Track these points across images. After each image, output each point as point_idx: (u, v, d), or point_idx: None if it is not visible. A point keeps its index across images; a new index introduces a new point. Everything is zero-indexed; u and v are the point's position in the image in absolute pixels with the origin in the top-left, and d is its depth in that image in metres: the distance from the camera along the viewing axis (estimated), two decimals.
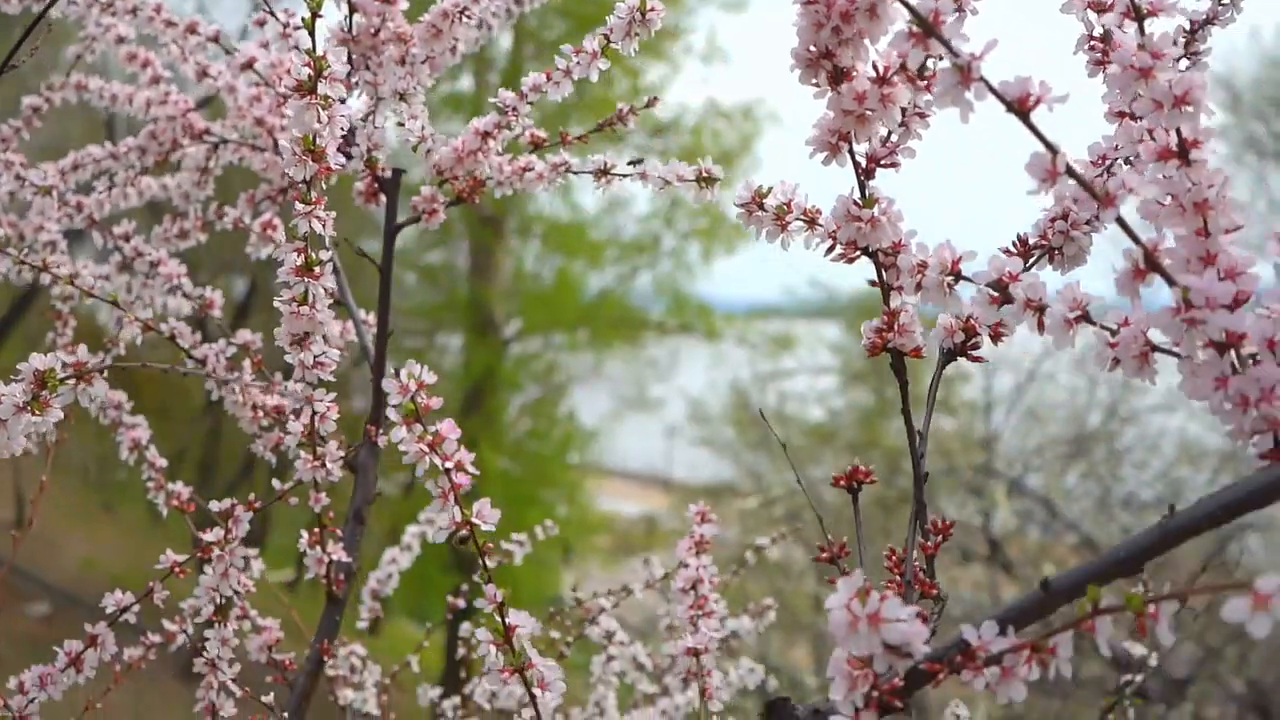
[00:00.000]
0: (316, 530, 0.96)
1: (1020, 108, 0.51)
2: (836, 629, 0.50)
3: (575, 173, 0.96)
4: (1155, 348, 0.55)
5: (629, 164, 0.93)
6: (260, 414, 1.02)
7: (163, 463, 1.10)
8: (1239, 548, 6.43)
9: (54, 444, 1.27)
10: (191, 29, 1.10)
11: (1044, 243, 0.69)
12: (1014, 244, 0.69)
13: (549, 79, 0.91)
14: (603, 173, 0.94)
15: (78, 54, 1.30)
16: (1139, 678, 1.05)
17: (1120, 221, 0.51)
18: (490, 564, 0.64)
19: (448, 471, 0.62)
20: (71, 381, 0.64)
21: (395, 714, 1.34)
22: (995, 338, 0.67)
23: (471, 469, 0.62)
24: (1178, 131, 0.53)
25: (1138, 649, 1.07)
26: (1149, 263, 0.51)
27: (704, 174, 0.82)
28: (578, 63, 0.89)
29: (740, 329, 11.18)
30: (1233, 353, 0.52)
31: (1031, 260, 0.69)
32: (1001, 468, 6.36)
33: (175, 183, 1.24)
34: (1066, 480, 6.74)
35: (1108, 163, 0.69)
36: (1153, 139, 0.55)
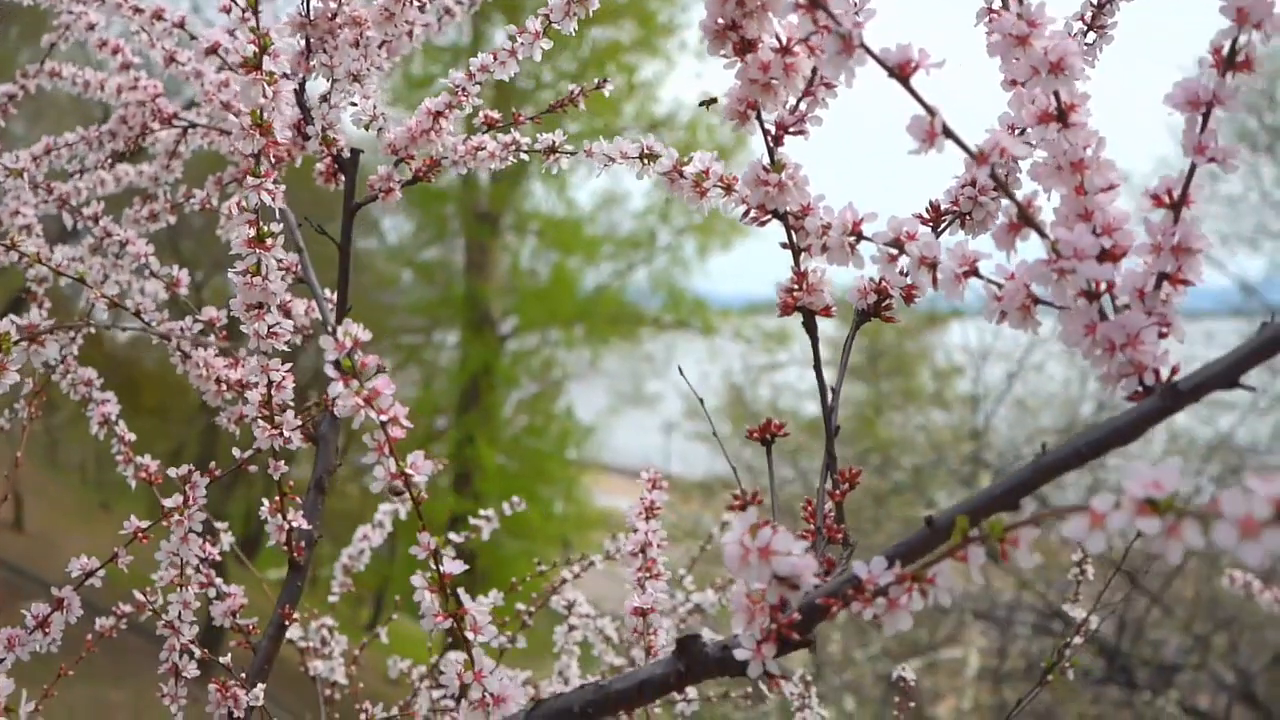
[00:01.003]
0: (277, 499, 0.99)
1: (901, 73, 0.54)
2: (730, 561, 0.54)
3: (526, 152, 0.99)
4: (1037, 300, 0.58)
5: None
6: (224, 387, 1.05)
7: (131, 437, 1.14)
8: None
9: (29, 422, 1.30)
10: (157, 15, 1.13)
11: (954, 208, 0.72)
12: (926, 210, 0.72)
13: (495, 59, 0.94)
14: (551, 150, 0.97)
15: (51, 42, 1.33)
16: (1078, 640, 1.08)
17: (995, 178, 0.54)
18: (420, 514, 0.67)
19: (384, 425, 0.65)
20: (24, 344, 0.68)
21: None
22: (908, 299, 0.71)
23: (406, 423, 0.66)
24: (1056, 95, 0.57)
25: (1077, 611, 1.10)
26: (1023, 217, 0.54)
27: (646, 151, 0.85)
28: (522, 43, 0.93)
29: (736, 324, 11.22)
30: (1104, 301, 0.55)
31: (944, 225, 0.72)
32: (992, 459, 6.40)
33: (151, 170, 1.28)
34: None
35: (1015, 132, 0.73)
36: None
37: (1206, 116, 0.55)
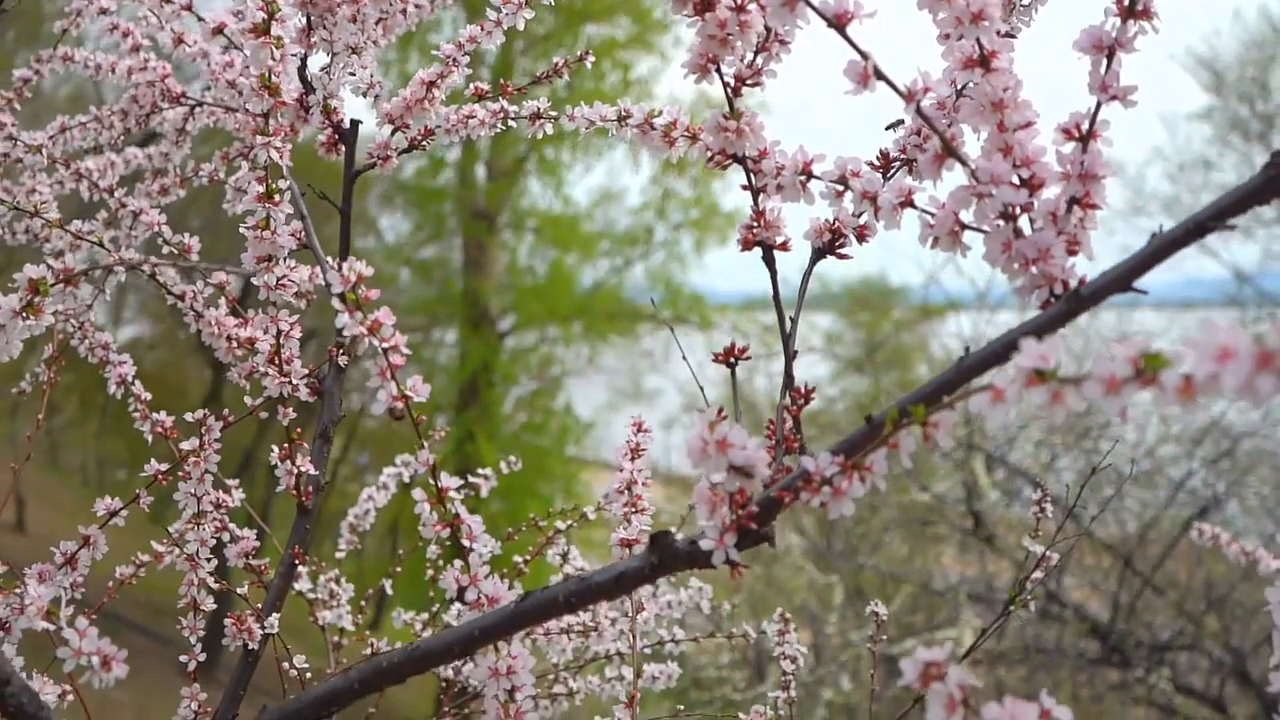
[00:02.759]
0: (286, 445, 1.06)
1: (839, 23, 0.61)
2: (691, 454, 0.61)
3: (513, 118, 1.06)
4: (964, 225, 0.65)
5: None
6: (234, 345, 1.12)
7: (147, 396, 1.21)
8: (1218, 514, 6.56)
9: (48, 384, 1.37)
10: None
11: (903, 155, 0.79)
12: (877, 157, 0.80)
13: (483, 29, 1.01)
14: (536, 116, 1.05)
15: (64, 27, 1.40)
16: (1038, 575, 1.15)
17: (920, 113, 0.62)
18: (419, 432, 0.75)
19: (385, 351, 0.73)
20: (60, 286, 0.75)
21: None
22: (860, 238, 0.78)
23: (405, 350, 0.73)
24: (978, 43, 0.64)
25: (1035, 546, 1.18)
26: (946, 149, 0.62)
27: (623, 113, 0.92)
28: (506, 13, 1.00)
29: (734, 319, 11.29)
30: (1020, 222, 0.62)
31: (893, 170, 0.80)
32: (984, 443, 6.47)
33: (162, 147, 1.35)
34: (1046, 455, 6.86)
35: (958, 85, 0.80)
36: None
37: (1110, 59, 0.62)
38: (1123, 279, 0.57)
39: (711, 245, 11.67)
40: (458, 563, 0.75)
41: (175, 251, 1.20)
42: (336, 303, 0.72)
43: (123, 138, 1.30)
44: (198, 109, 1.29)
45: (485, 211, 11.27)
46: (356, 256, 1.12)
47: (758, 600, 7.16)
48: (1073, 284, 0.61)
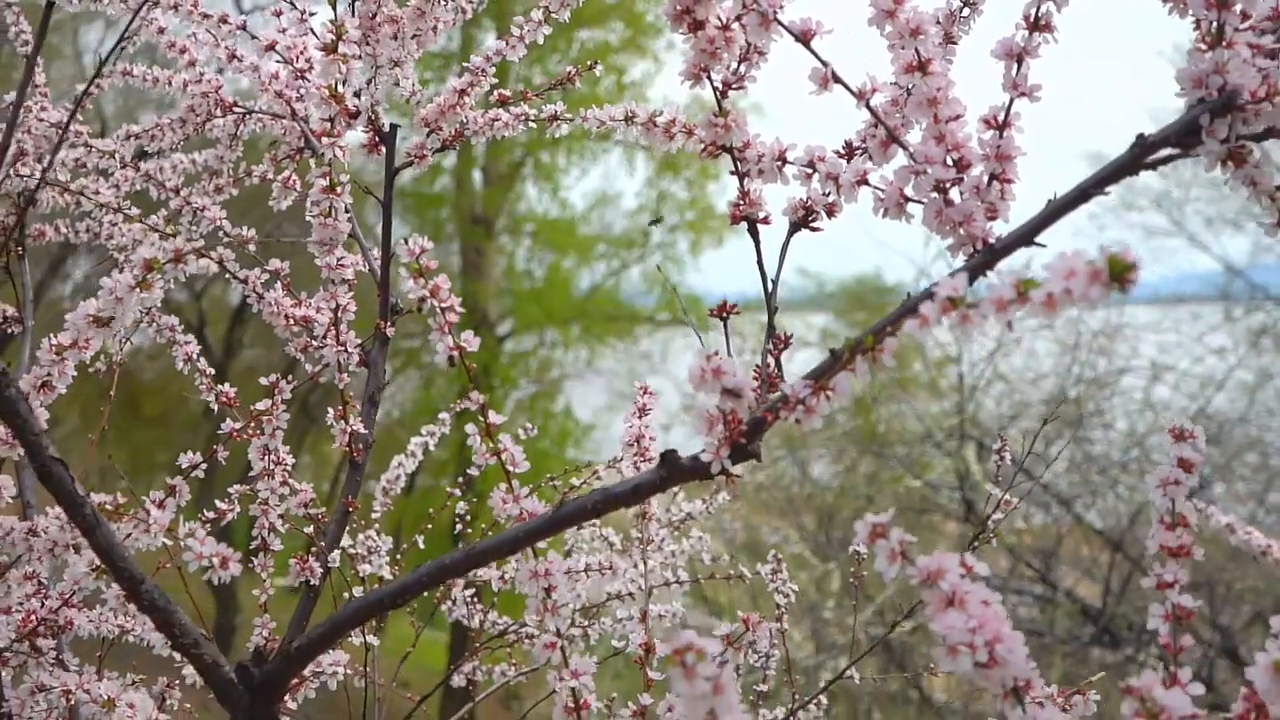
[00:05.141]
0: (341, 407, 1.23)
1: (804, 39, 0.78)
2: (692, 380, 0.77)
3: (533, 121, 1.23)
4: (907, 198, 0.82)
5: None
6: (290, 322, 1.28)
7: (211, 371, 1.37)
8: (1205, 496, 6.73)
9: (117, 366, 1.53)
10: (223, 20, 1.36)
11: (862, 144, 0.95)
12: (843, 145, 0.96)
13: (508, 43, 1.18)
14: (554, 118, 1.21)
15: (122, 46, 1.56)
16: (997, 516, 1.31)
17: (870, 109, 0.78)
18: (470, 376, 0.91)
19: (444, 310, 0.89)
20: (171, 264, 0.91)
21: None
22: (829, 213, 0.94)
23: (459, 308, 0.89)
24: (916, 52, 0.80)
25: (994, 491, 1.34)
26: (890, 137, 0.78)
27: (629, 114, 1.09)
28: (528, 29, 1.16)
29: (731, 320, 11.43)
30: (951, 194, 0.79)
31: (856, 158, 0.96)
32: (978, 434, 6.65)
33: (216, 152, 1.52)
34: (1039, 443, 7.02)
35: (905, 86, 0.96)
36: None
37: (1020, 63, 0.79)
38: (1025, 236, 0.74)
39: (708, 246, 11.84)
40: (502, 485, 0.91)
41: (235, 242, 1.37)
42: (404, 271, 0.88)
43: (181, 143, 1.46)
44: (247, 116, 1.46)
45: (482, 216, 11.44)
46: (329, 272, 1.28)
47: (758, 591, 7.32)
48: (992, 241, 0.77)
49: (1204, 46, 0.71)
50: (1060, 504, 6.44)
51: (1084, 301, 0.56)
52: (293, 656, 0.83)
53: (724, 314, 0.93)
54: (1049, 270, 0.57)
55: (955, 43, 0.93)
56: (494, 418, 0.91)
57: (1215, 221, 8.56)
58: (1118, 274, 0.55)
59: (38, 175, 1.37)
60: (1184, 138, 0.70)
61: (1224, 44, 0.70)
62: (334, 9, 0.95)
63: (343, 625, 0.84)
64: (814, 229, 0.95)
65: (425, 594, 1.74)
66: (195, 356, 1.38)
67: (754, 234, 0.92)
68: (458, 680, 1.70)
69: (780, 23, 0.77)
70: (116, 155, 1.38)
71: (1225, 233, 8.59)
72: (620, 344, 12.58)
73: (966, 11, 0.97)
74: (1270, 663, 0.57)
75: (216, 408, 1.34)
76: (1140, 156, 0.71)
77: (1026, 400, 7.20)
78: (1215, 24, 0.70)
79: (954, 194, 0.79)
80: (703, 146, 0.90)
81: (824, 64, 0.77)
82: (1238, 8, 0.70)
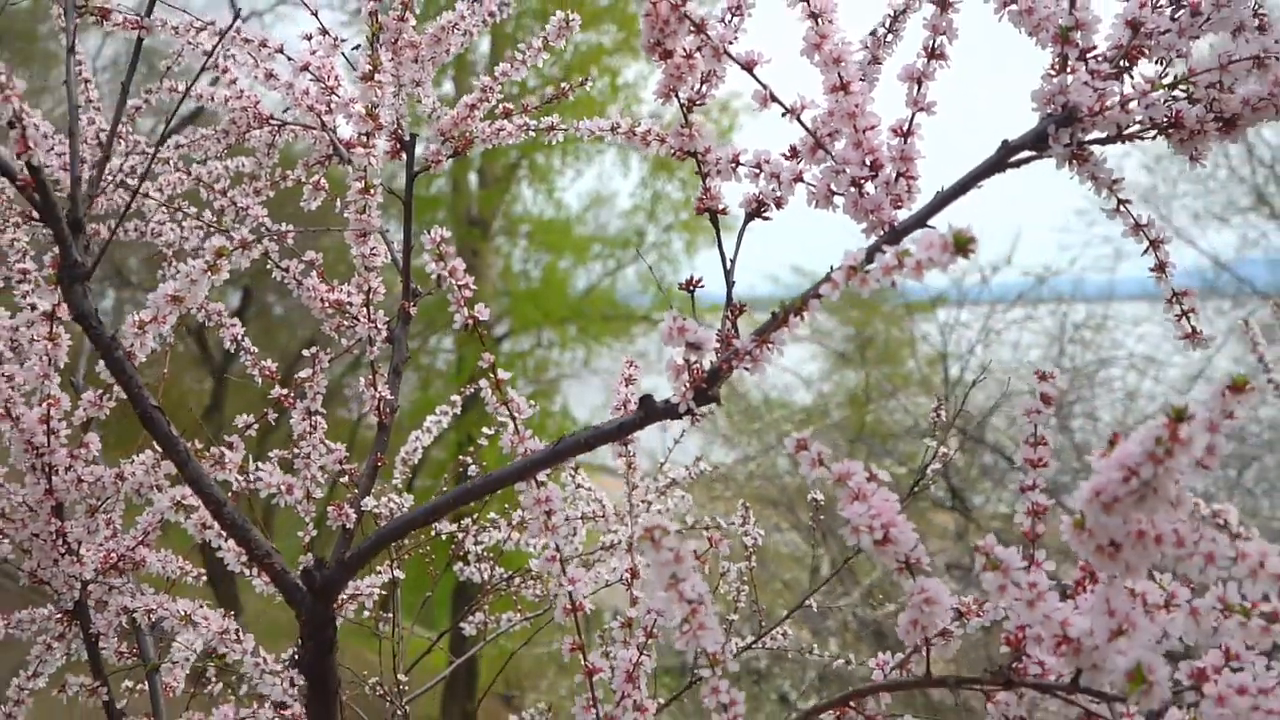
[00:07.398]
0: (370, 376, 1.44)
1: (748, 67, 0.98)
2: (663, 336, 0.98)
3: (534, 131, 1.44)
4: (833, 191, 1.02)
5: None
6: (325, 304, 1.49)
7: (255, 349, 1.58)
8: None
9: (168, 349, 1.73)
10: (263, 44, 1.57)
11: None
12: (788, 149, 1.17)
13: (512, 65, 1.39)
14: (551, 128, 1.42)
15: (168, 65, 1.77)
16: (937, 466, 1.52)
17: (800, 121, 0.99)
18: (485, 343, 1.12)
19: (460, 287, 1.10)
20: (238, 251, 1.12)
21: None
22: (778, 205, 1.15)
23: (473, 286, 1.10)
24: (839, 75, 1.01)
25: (930, 441, 1.54)
26: (816, 144, 0.99)
27: (614, 125, 1.30)
28: (530, 54, 1.37)
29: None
30: (864, 188, 1.00)
31: (797, 159, 1.17)
32: (960, 422, 6.87)
33: (255, 159, 1.73)
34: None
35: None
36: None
37: (920, 84, 0.99)
38: (919, 219, 0.95)
39: (703, 245, 12.02)
40: (510, 427, 1.12)
41: (274, 237, 1.57)
42: (427, 255, 1.09)
43: (225, 151, 1.67)
44: (282, 128, 1.66)
45: (478, 218, 11.63)
46: (363, 260, 1.50)
47: (752, 578, 7.52)
48: (895, 225, 0.98)
49: (1052, 72, 0.92)
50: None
51: (939, 265, 0.77)
52: (346, 564, 1.04)
53: (691, 287, 1.14)
54: (915, 244, 0.78)
55: (881, 62, 1.14)
56: (503, 374, 1.12)
57: (1202, 216, 8.78)
58: (961, 245, 0.76)
59: (123, 184, 1.58)
60: (1036, 143, 0.91)
61: (1067, 70, 0.91)
62: (371, 45, 1.16)
63: (387, 537, 1.05)
64: (765, 218, 1.16)
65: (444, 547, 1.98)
66: (240, 338, 1.59)
67: (714, 222, 1.12)
68: (468, 629, 1.90)
69: (729, 54, 0.98)
70: (170, 162, 1.59)
71: (1211, 227, 8.82)
72: (617, 344, 12.77)
73: (890, 37, 1.18)
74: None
75: (260, 380, 1.55)
76: (1005, 157, 0.92)
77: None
78: (1060, 55, 0.91)
79: (868, 188, 1.00)
80: (673, 150, 1.11)
81: (764, 86, 0.98)
82: (1077, 43, 0.91)
